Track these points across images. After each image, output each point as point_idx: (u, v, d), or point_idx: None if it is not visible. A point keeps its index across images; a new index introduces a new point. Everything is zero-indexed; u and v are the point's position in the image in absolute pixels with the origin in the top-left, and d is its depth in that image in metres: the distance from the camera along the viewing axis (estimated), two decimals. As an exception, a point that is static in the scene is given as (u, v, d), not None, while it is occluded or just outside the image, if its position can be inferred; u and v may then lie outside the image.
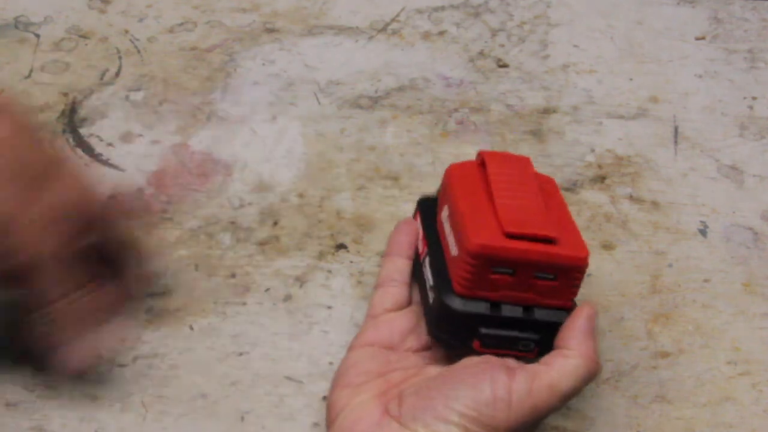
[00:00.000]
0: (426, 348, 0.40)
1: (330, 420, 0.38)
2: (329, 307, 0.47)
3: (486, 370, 0.35)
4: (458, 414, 0.34)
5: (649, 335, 0.45)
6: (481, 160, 0.41)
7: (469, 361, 0.37)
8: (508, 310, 0.37)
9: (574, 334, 0.37)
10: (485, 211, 0.38)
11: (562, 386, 0.35)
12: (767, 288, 0.47)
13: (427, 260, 0.41)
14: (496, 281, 0.37)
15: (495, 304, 0.37)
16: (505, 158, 0.42)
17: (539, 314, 0.38)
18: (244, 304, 0.47)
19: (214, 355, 0.45)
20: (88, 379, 0.44)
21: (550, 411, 0.35)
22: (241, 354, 0.45)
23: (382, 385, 0.38)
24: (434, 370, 0.39)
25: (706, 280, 0.47)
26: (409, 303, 0.43)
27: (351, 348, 0.41)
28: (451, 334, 0.38)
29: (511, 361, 0.37)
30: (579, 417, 0.42)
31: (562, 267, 0.37)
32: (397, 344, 0.40)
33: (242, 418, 0.43)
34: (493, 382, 0.35)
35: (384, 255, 0.44)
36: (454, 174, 0.42)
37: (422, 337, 0.41)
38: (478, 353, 0.38)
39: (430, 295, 0.39)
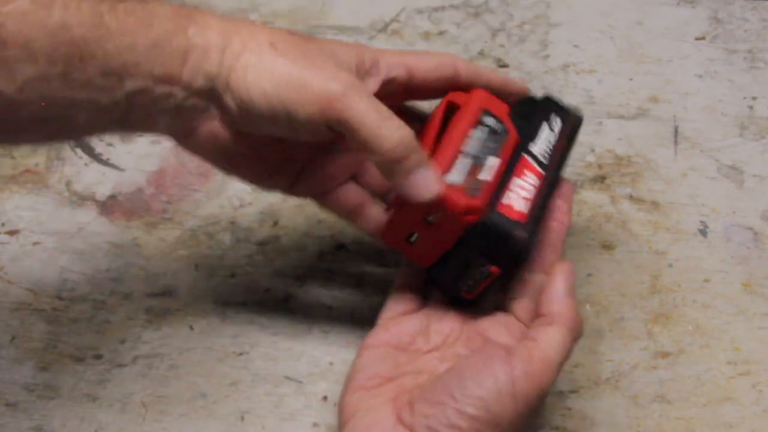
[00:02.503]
0: (435, 349, 0.40)
1: (342, 422, 0.38)
2: (329, 307, 0.47)
3: (486, 361, 0.36)
4: (468, 417, 0.34)
5: (649, 335, 0.45)
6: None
7: (470, 355, 0.37)
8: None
9: (554, 298, 0.37)
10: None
11: (554, 358, 0.36)
12: (767, 288, 0.47)
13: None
14: None
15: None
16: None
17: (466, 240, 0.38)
18: (244, 304, 0.47)
19: (214, 355, 0.45)
20: (88, 379, 0.44)
21: (551, 385, 0.36)
22: (241, 354, 0.45)
23: (395, 389, 0.38)
24: (441, 368, 0.39)
25: (706, 280, 0.47)
26: (422, 308, 0.43)
27: (362, 348, 0.41)
28: (454, 294, 0.40)
29: (507, 343, 0.37)
30: (579, 417, 0.42)
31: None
32: (406, 345, 0.40)
33: (242, 418, 0.43)
34: (495, 375, 0.35)
35: (403, 265, 0.44)
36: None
37: (431, 338, 0.41)
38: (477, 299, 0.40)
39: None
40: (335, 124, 0.35)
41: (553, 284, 0.38)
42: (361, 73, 0.38)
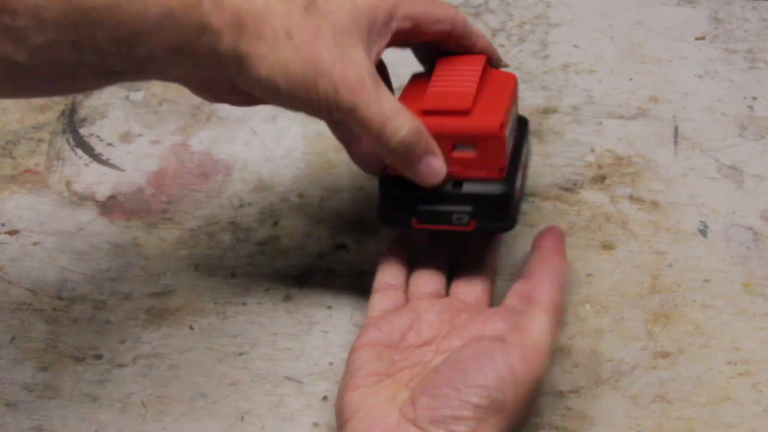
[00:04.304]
0: (428, 342, 0.41)
1: (342, 422, 0.38)
2: (329, 307, 0.47)
3: (485, 350, 0.37)
4: (473, 407, 0.35)
5: (649, 335, 0.45)
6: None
7: (466, 346, 0.38)
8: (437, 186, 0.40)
9: (541, 284, 0.39)
10: (416, 97, 0.40)
11: (544, 344, 0.37)
12: (767, 288, 0.47)
13: None
14: None
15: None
16: (459, 57, 0.43)
17: (468, 187, 0.40)
18: (244, 304, 0.47)
19: (214, 355, 0.45)
20: (88, 379, 0.44)
21: (546, 371, 0.37)
22: (241, 354, 0.45)
23: (393, 386, 0.38)
24: (437, 360, 0.39)
25: (706, 280, 0.47)
26: (406, 302, 0.44)
27: (354, 349, 0.41)
28: (393, 216, 0.42)
29: (499, 330, 0.39)
30: (579, 417, 0.42)
31: (472, 136, 0.39)
32: (397, 342, 0.41)
33: (242, 418, 0.43)
34: (495, 364, 0.36)
35: (380, 264, 0.45)
36: (413, 78, 0.44)
37: (422, 332, 0.41)
38: (417, 230, 0.42)
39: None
40: (343, 120, 0.37)
41: (539, 272, 0.40)
42: (373, 36, 0.38)
